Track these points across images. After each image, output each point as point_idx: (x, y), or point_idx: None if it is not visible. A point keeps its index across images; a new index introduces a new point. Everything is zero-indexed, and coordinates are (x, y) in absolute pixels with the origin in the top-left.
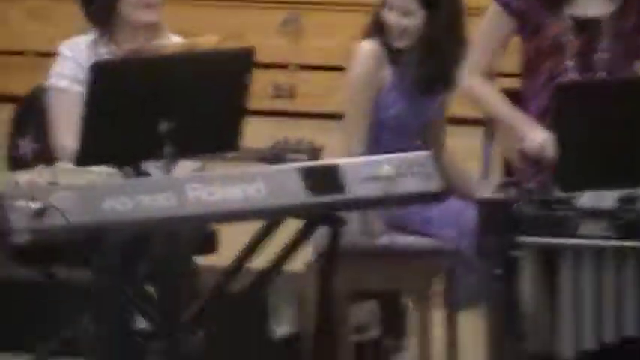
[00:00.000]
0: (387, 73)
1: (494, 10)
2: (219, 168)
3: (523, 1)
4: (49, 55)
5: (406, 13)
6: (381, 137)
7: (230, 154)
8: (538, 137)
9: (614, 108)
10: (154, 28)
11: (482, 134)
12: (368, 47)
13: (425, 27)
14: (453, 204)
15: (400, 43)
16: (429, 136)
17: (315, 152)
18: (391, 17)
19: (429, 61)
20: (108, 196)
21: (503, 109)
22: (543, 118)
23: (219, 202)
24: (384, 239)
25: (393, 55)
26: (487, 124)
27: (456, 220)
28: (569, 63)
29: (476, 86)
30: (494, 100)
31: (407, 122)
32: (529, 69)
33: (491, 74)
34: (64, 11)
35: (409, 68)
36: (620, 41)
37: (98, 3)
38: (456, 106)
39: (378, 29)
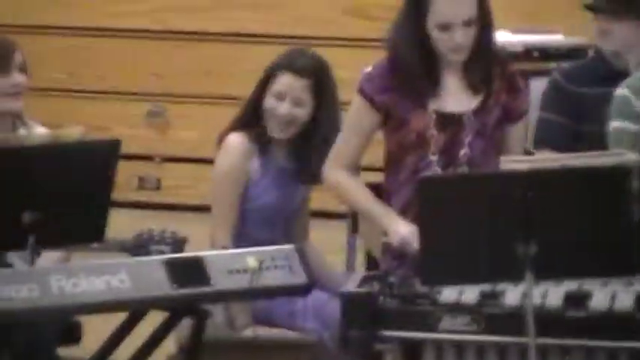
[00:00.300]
0: (255, 165)
1: (359, 103)
2: (83, 258)
3: (387, 96)
4: None
5: (299, 103)
6: (249, 228)
7: (94, 245)
8: (401, 230)
9: (476, 202)
10: (17, 118)
11: (347, 227)
12: (236, 140)
13: (310, 117)
14: (317, 296)
15: (284, 134)
16: (294, 227)
17: (179, 243)
18: (281, 107)
19: (305, 151)
20: None
21: (367, 202)
22: (406, 212)
23: (83, 293)
24: (248, 332)
25: (263, 146)
26: (351, 217)
27: (319, 313)
28: (433, 157)
29: (340, 179)
30: (357, 193)
31: (274, 213)
32: (392, 163)
33: (356, 167)
34: None
35: (281, 158)
36: (482, 136)
37: None
38: (320, 199)
39: (250, 120)
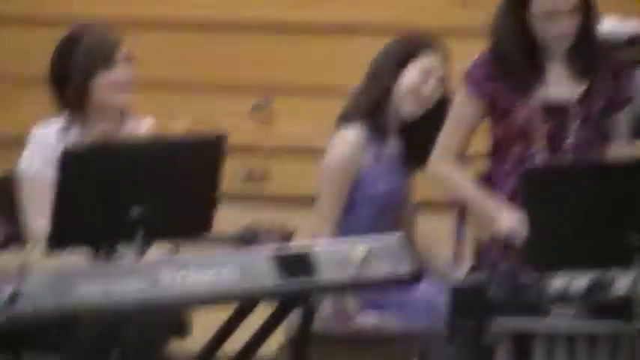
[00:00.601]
0: (369, 155)
1: (463, 93)
2: (192, 251)
3: (491, 86)
4: (19, 139)
5: (441, 84)
6: (359, 217)
7: (203, 237)
8: (509, 219)
9: (582, 190)
10: (125, 112)
11: (454, 218)
12: (352, 133)
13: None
14: (426, 288)
15: (418, 113)
16: (402, 216)
17: (287, 235)
18: (427, 86)
19: (416, 135)
20: (79, 282)
21: (473, 192)
22: (512, 201)
23: (192, 285)
24: (358, 321)
25: (379, 135)
26: (459, 208)
27: (430, 306)
28: (538, 147)
29: (445, 170)
30: (463, 184)
31: (386, 201)
32: (498, 152)
33: (461, 157)
34: (32, 96)
35: (392, 145)
36: (587, 125)
37: (71, 86)
38: (428, 189)
39: (374, 109)
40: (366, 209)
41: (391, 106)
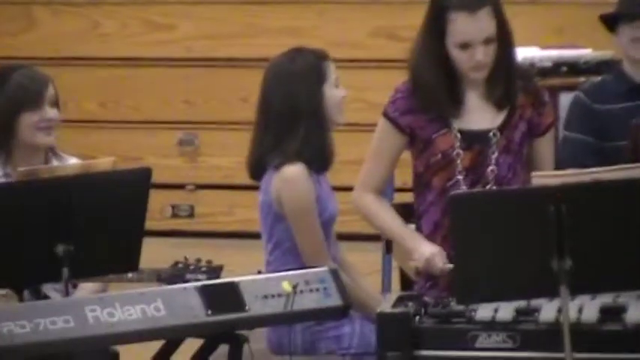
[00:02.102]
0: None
1: (383, 125)
2: (120, 289)
3: (411, 117)
4: None
5: None
6: (326, 240)
7: (130, 275)
8: (425, 251)
9: (508, 219)
10: (50, 151)
11: (382, 248)
12: (298, 169)
13: None
14: (354, 318)
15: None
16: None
17: (215, 272)
18: (341, 92)
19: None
20: (5, 320)
21: (392, 225)
22: (436, 232)
23: (119, 322)
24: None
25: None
26: (385, 239)
27: (365, 336)
28: (460, 177)
29: (367, 203)
30: (383, 216)
31: (335, 217)
32: (420, 184)
33: (383, 189)
34: None
35: None
36: (509, 152)
37: None
38: (355, 223)
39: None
40: (327, 232)
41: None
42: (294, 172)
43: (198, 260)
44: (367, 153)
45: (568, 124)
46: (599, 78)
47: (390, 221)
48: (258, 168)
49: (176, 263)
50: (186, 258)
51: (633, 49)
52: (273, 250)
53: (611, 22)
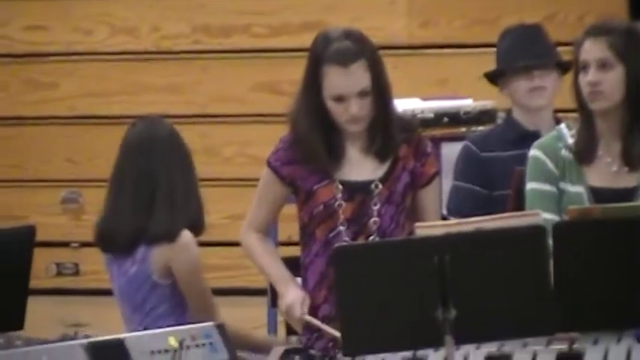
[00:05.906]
0: None
1: (266, 175)
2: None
3: (292, 168)
4: None
5: None
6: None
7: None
8: (287, 297)
9: (392, 269)
10: None
11: (267, 303)
12: (189, 234)
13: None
14: None
15: None
16: None
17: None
18: None
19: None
20: None
21: (269, 266)
22: (321, 283)
23: None
24: None
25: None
26: (270, 292)
27: None
28: (342, 228)
29: (250, 242)
30: (263, 256)
31: None
32: (305, 235)
33: (267, 231)
34: None
35: None
36: (392, 204)
37: None
38: (241, 278)
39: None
40: None
41: None
42: (189, 237)
43: (87, 335)
44: (254, 194)
45: (457, 174)
46: (490, 127)
47: (269, 263)
48: (128, 239)
49: (64, 336)
50: (76, 331)
51: (529, 98)
52: (144, 318)
53: (496, 76)
